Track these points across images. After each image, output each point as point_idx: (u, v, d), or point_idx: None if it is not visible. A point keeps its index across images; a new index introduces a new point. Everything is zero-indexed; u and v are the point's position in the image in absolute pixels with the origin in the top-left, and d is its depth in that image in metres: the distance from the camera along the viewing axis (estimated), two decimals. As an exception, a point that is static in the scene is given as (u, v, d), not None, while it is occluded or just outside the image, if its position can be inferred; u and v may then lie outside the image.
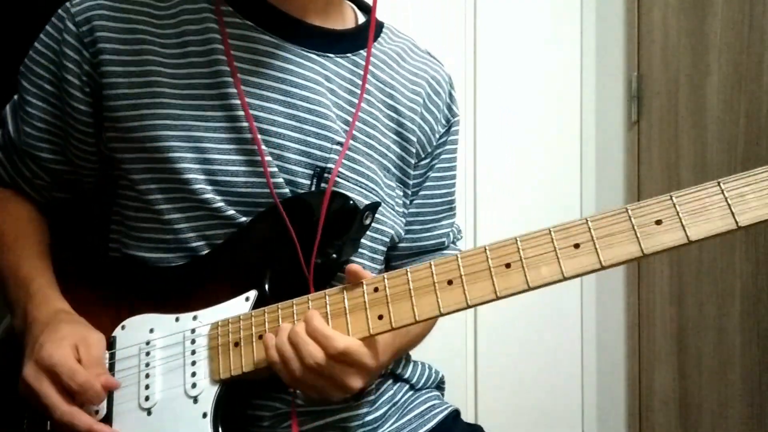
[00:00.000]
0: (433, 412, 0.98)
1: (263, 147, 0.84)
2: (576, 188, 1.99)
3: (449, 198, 1.05)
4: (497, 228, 1.87)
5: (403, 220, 0.98)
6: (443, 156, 1.02)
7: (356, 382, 0.76)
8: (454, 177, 1.05)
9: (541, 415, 1.94)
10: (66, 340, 0.77)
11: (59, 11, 0.88)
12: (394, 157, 0.94)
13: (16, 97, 0.92)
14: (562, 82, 1.98)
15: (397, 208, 0.96)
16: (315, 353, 0.73)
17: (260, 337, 0.77)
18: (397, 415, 0.96)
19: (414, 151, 0.96)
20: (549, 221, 2.19)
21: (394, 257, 1.01)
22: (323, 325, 0.75)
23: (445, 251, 1.05)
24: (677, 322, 1.86)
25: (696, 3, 1.79)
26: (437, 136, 1.00)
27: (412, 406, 0.98)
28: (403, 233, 0.99)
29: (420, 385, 1.01)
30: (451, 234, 1.07)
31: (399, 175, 0.96)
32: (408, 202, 0.99)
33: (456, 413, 1.01)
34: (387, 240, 0.94)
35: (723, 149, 1.71)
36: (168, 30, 0.86)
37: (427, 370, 1.03)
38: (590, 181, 2.00)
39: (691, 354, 1.82)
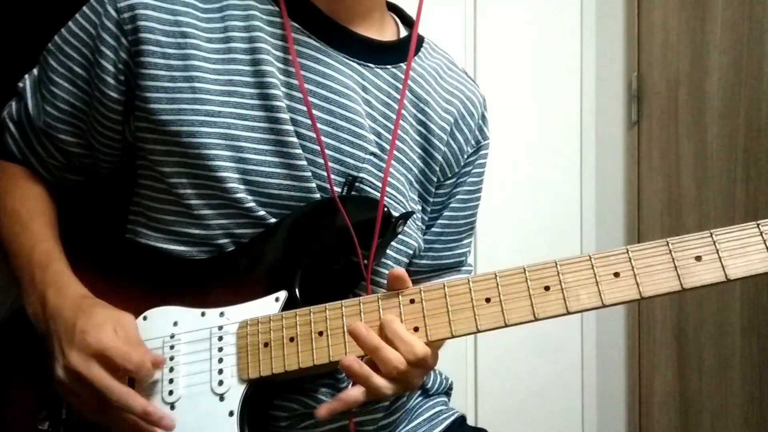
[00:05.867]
0: (441, 417, 0.99)
1: (299, 151, 0.83)
2: (576, 188, 1.99)
3: (472, 219, 1.04)
4: (497, 228, 1.87)
5: (422, 235, 0.98)
6: (471, 178, 1.01)
7: (418, 382, 0.78)
8: (479, 199, 1.04)
9: (541, 415, 1.94)
10: (107, 324, 0.76)
11: None
12: (417, 172, 0.94)
13: (36, 72, 0.90)
14: (562, 82, 1.98)
15: (418, 222, 0.95)
16: (397, 362, 0.73)
17: (291, 339, 0.76)
18: (407, 419, 0.97)
19: (437, 168, 0.95)
20: (549, 221, 2.18)
21: (412, 273, 0.99)
22: (403, 330, 0.74)
23: (462, 268, 1.06)
24: (677, 322, 1.86)
25: (696, 3, 1.79)
26: (465, 156, 0.99)
27: (421, 410, 0.99)
28: (423, 247, 0.98)
29: (433, 391, 1.02)
30: (468, 252, 1.06)
31: (420, 190, 0.95)
32: (426, 218, 0.98)
33: (462, 419, 1.02)
34: (411, 252, 0.94)
35: (723, 149, 1.72)
36: (213, 24, 0.85)
37: (438, 377, 1.04)
38: (590, 181, 2.00)
39: (691, 354, 1.82)
